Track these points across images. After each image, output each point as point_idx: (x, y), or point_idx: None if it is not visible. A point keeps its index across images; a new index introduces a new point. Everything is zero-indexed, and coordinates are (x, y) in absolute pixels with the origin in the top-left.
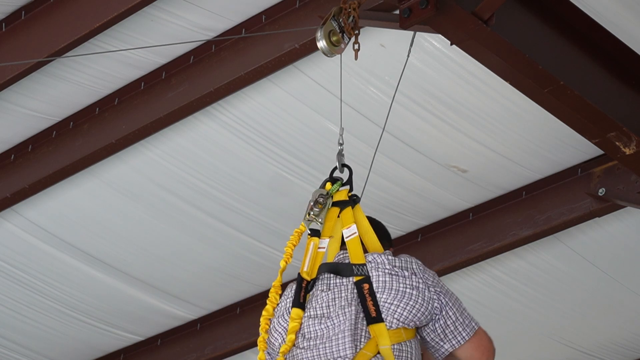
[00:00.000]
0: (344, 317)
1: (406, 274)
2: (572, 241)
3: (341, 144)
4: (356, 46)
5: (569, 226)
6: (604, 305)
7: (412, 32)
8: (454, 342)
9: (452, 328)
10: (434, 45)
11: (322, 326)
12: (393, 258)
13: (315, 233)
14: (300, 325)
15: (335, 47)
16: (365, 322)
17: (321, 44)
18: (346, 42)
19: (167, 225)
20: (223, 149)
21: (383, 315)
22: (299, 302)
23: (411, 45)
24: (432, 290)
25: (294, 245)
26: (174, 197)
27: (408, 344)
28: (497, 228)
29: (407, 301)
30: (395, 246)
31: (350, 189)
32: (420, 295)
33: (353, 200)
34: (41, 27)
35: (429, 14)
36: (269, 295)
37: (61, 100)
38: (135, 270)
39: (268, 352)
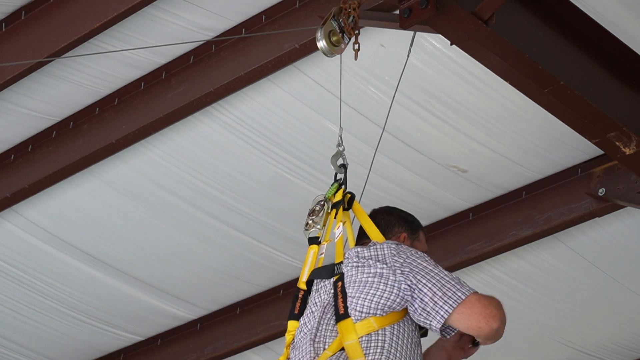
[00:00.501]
0: (313, 322)
1: (371, 262)
2: (572, 241)
3: (339, 146)
4: (356, 46)
5: (569, 226)
6: (604, 305)
7: (412, 32)
8: (438, 318)
9: (432, 304)
10: (434, 45)
11: (301, 334)
12: (364, 249)
13: (313, 241)
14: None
15: (335, 47)
16: (333, 322)
17: (321, 44)
18: (346, 42)
19: (167, 225)
20: (223, 149)
21: (349, 310)
22: (294, 314)
23: (411, 45)
24: (399, 272)
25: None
26: (174, 197)
27: (381, 332)
28: (497, 228)
29: (369, 290)
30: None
31: (345, 188)
32: (383, 281)
33: (348, 199)
34: (41, 27)
35: (429, 14)
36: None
37: (61, 100)
38: (135, 270)
39: None
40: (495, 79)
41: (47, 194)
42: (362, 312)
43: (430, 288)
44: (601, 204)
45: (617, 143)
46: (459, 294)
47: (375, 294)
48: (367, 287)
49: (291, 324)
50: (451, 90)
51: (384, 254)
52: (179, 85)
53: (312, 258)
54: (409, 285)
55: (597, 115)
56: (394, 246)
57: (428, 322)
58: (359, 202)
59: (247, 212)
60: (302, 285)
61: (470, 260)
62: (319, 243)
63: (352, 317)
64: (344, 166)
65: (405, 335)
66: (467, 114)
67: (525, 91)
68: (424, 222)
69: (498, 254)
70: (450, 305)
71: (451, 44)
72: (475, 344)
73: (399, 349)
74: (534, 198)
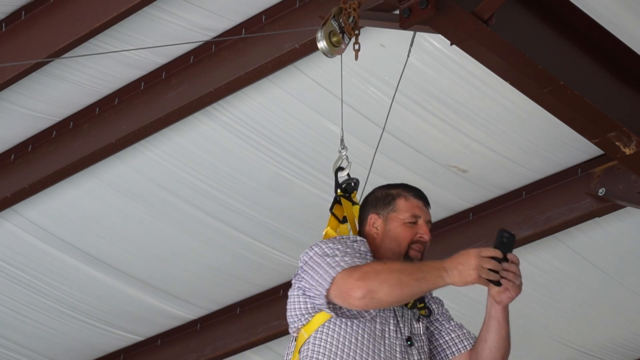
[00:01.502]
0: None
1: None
2: (572, 241)
3: (341, 149)
4: (356, 46)
5: (569, 226)
6: (604, 305)
7: (412, 32)
8: (323, 308)
9: (313, 297)
10: (434, 45)
11: None
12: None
13: None
14: None
15: (335, 48)
16: (294, 343)
17: (322, 44)
18: (346, 42)
19: (167, 225)
20: (223, 149)
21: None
22: None
23: (411, 45)
24: (298, 277)
25: None
26: (174, 197)
27: (309, 340)
28: (497, 228)
29: (287, 305)
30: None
31: (337, 189)
32: (290, 293)
33: (336, 200)
34: (41, 27)
35: (429, 14)
36: None
37: (61, 100)
38: (135, 270)
39: None
40: (495, 79)
41: (47, 194)
42: (291, 328)
43: (309, 282)
44: (601, 204)
45: (617, 143)
46: (327, 278)
47: (288, 308)
48: (287, 303)
49: None
50: (451, 90)
51: (300, 263)
52: (179, 85)
53: None
54: (301, 289)
55: (597, 115)
56: (308, 250)
57: (329, 312)
58: (359, 202)
59: (247, 212)
60: None
61: None
62: None
63: (292, 335)
64: (341, 169)
65: (331, 333)
66: (467, 114)
67: (525, 91)
68: None
69: None
70: (321, 292)
71: (451, 44)
72: (496, 283)
73: (320, 350)
74: (534, 198)
